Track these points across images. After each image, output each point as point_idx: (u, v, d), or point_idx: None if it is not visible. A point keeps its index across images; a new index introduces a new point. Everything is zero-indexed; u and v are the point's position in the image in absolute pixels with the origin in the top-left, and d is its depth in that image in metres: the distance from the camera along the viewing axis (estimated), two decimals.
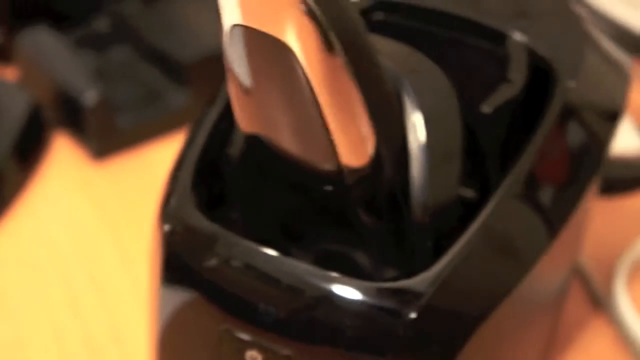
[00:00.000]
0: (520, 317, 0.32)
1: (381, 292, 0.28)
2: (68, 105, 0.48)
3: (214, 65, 0.49)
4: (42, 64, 0.49)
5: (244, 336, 0.29)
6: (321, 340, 0.28)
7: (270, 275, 0.29)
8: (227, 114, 0.32)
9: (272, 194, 0.30)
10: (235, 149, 0.32)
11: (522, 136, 0.31)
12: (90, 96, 0.47)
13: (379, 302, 0.28)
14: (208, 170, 0.32)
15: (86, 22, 0.53)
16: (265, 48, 0.25)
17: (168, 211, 0.31)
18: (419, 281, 0.28)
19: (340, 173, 0.27)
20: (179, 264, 0.31)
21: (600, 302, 0.42)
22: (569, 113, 0.32)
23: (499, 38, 0.33)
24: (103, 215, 0.45)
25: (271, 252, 0.29)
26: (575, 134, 0.32)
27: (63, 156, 0.49)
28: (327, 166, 0.27)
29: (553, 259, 0.32)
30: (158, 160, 0.49)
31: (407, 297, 0.28)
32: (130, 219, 0.45)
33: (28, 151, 0.47)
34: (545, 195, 0.31)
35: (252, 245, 0.29)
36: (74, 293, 0.41)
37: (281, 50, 0.25)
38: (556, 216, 0.31)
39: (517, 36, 0.33)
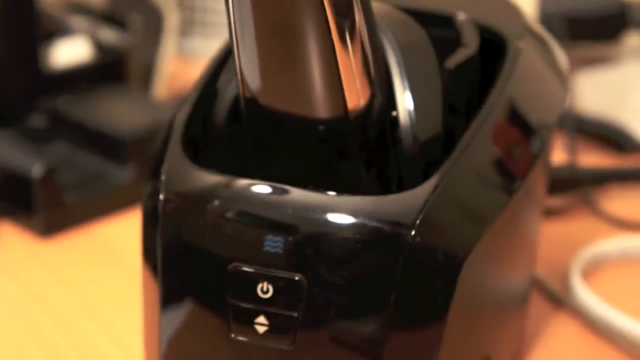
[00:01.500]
0: (508, 245, 0.34)
1: (384, 201, 0.29)
2: (14, 185, 0.48)
3: (152, 141, 0.51)
4: None
5: (254, 269, 0.29)
6: (330, 259, 0.29)
7: (275, 204, 0.30)
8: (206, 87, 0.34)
9: (267, 145, 0.32)
10: (221, 113, 0.33)
11: (483, 94, 0.34)
12: (37, 169, 0.47)
13: (384, 210, 0.29)
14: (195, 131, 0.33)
15: (22, 120, 0.54)
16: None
17: (164, 169, 0.32)
18: (419, 190, 0.29)
19: (341, 115, 0.29)
20: (178, 218, 0.31)
21: (560, 301, 0.44)
22: (523, 69, 0.35)
23: (448, 22, 0.36)
24: (53, 291, 0.44)
25: (272, 185, 0.30)
26: (531, 86, 0.35)
27: (10, 237, 0.48)
28: (331, 111, 0.29)
29: (526, 198, 0.34)
30: (106, 236, 0.49)
31: (410, 201, 0.29)
32: (81, 294, 0.44)
33: None
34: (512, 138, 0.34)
35: (253, 181, 0.30)
36: None
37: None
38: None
39: (463, 15, 0.36)
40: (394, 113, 0.32)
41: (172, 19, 0.67)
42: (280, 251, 0.30)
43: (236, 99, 0.33)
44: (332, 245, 0.29)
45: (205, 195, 0.31)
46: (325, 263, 0.29)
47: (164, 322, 0.32)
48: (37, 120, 0.55)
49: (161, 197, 0.32)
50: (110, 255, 0.47)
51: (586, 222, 0.51)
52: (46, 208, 0.48)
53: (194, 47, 0.78)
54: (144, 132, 0.52)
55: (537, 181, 0.36)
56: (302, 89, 0.29)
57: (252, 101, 0.30)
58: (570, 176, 0.48)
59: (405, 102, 0.31)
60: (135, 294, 0.42)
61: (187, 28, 0.79)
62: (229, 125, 0.34)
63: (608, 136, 0.60)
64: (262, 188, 0.30)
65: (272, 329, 0.30)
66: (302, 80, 0.29)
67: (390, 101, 0.31)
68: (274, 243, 0.30)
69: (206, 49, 0.78)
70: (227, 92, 0.34)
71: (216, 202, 0.31)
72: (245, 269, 0.30)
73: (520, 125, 0.34)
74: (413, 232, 0.29)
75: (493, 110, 0.33)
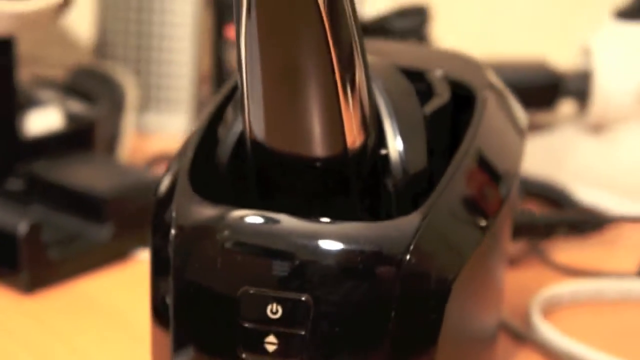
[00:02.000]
0: (483, 279, 0.37)
1: (380, 227, 0.33)
2: None
3: (131, 199, 0.53)
4: None
5: (263, 292, 0.32)
6: (332, 281, 0.32)
7: (280, 232, 0.33)
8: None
9: (270, 181, 0.35)
10: (224, 153, 0.36)
11: (455, 140, 0.38)
12: (22, 226, 0.49)
13: (380, 234, 0.32)
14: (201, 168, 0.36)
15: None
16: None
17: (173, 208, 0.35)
18: (410, 218, 0.33)
19: (340, 154, 0.33)
20: (189, 248, 0.34)
21: (523, 337, 0.47)
22: (490, 119, 0.39)
23: (422, 76, 0.40)
24: (40, 340, 0.46)
25: (277, 215, 0.33)
26: (498, 129, 0.39)
27: None
28: (332, 151, 0.33)
29: (496, 237, 0.37)
30: (89, 290, 0.51)
31: (405, 227, 0.32)
32: (68, 342, 0.46)
33: None
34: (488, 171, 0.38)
35: (259, 212, 0.33)
36: None
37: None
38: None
39: (436, 70, 0.41)
40: (384, 151, 0.35)
41: (132, 94, 0.71)
42: (287, 275, 0.33)
43: (239, 140, 0.36)
44: (333, 268, 0.32)
45: (215, 227, 0.34)
46: (328, 285, 0.32)
47: (176, 344, 0.34)
48: (14, 184, 0.57)
49: (173, 231, 0.34)
50: (94, 308, 0.49)
51: (536, 270, 0.55)
52: (31, 264, 0.50)
53: (148, 122, 0.81)
54: (121, 192, 0.54)
55: (505, 224, 0.39)
56: (306, 131, 0.33)
57: (257, 143, 0.33)
58: (528, 221, 0.52)
59: (395, 141, 0.35)
60: (119, 342, 0.44)
61: (142, 104, 0.82)
62: (232, 164, 0.37)
63: (548, 196, 0.65)
64: (268, 218, 0.33)
65: (282, 347, 0.33)
66: (307, 124, 0.32)
67: (380, 141, 0.35)
68: (280, 268, 0.33)
69: (160, 124, 0.81)
70: (230, 135, 0.37)
71: (226, 232, 0.33)
72: (255, 292, 0.33)
73: (488, 170, 0.38)
74: (408, 256, 0.32)
75: (468, 152, 0.36)
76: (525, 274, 0.55)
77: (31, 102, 0.63)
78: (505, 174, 0.38)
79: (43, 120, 0.61)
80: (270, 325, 0.33)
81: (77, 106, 0.66)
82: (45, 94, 0.66)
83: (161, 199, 0.36)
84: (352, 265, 0.32)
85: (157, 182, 0.37)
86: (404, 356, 0.33)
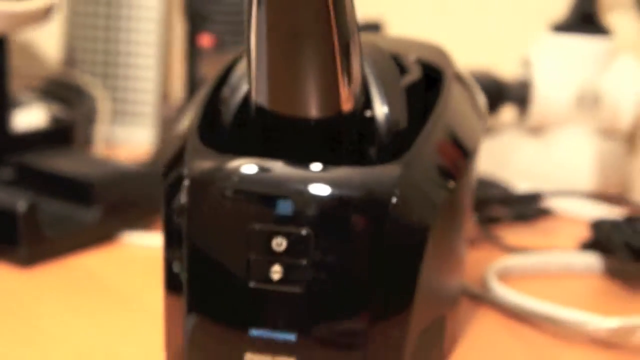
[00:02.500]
0: (452, 233, 0.43)
1: (369, 170, 0.38)
2: None
3: (116, 185, 0.58)
4: None
5: (269, 228, 0.37)
6: (330, 216, 0.37)
7: (284, 175, 0.38)
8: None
9: (272, 136, 0.40)
10: (229, 113, 0.42)
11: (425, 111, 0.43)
12: (21, 204, 0.53)
13: (369, 176, 0.38)
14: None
15: None
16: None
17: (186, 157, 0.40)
18: (396, 164, 0.38)
19: (335, 114, 0.38)
20: (202, 195, 0.39)
21: (482, 298, 0.53)
22: (456, 94, 0.45)
23: (397, 59, 0.46)
24: (39, 317, 0.49)
25: (282, 161, 0.38)
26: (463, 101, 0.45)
27: None
28: (328, 112, 0.38)
29: (461, 200, 0.43)
30: (83, 266, 0.55)
31: (390, 171, 0.38)
32: (63, 320, 0.49)
33: None
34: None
35: (265, 159, 0.39)
36: None
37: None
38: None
39: (410, 55, 0.46)
40: (369, 113, 0.41)
41: (103, 105, 0.75)
42: (290, 213, 0.38)
43: (243, 102, 0.41)
44: (330, 205, 0.37)
45: (224, 174, 0.38)
46: (328, 221, 0.37)
47: (191, 281, 0.39)
48: (5, 174, 0.60)
49: (187, 180, 0.39)
50: (85, 281, 0.53)
51: (488, 250, 0.61)
52: (29, 240, 0.53)
53: (114, 134, 0.85)
54: (107, 178, 0.59)
55: (467, 193, 0.45)
56: (306, 94, 0.38)
57: (261, 104, 0.39)
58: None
59: (381, 104, 0.41)
60: (108, 311, 0.48)
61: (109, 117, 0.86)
62: (236, 124, 0.42)
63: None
64: (273, 163, 0.38)
65: (286, 275, 0.38)
66: (308, 87, 0.37)
67: (365, 104, 0.41)
68: (283, 207, 0.38)
69: (126, 136, 0.85)
70: (234, 97, 0.42)
71: (235, 178, 0.38)
72: (262, 228, 0.38)
73: (455, 140, 0.43)
74: (394, 193, 0.38)
75: (438, 120, 0.42)
76: (479, 253, 0.60)
77: (15, 102, 0.67)
78: (468, 146, 0.44)
79: (29, 118, 0.65)
80: (275, 257, 0.38)
81: (57, 109, 0.70)
82: (25, 96, 0.70)
83: (172, 152, 0.41)
84: (345, 202, 0.37)
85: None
86: (391, 285, 0.38)
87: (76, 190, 0.58)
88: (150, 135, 0.87)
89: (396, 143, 0.41)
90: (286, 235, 0.38)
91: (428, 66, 0.46)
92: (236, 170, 0.39)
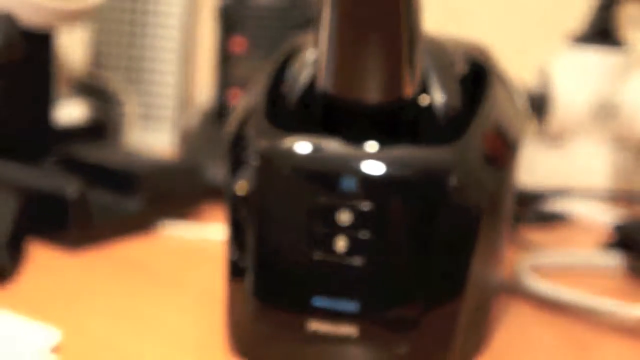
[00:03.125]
0: (499, 224, 0.45)
1: (435, 150, 0.40)
2: (48, 205, 0.56)
3: (158, 176, 0.60)
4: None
5: (334, 202, 0.40)
6: (390, 193, 0.40)
7: (349, 153, 0.40)
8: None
9: (335, 119, 0.42)
10: (293, 96, 0.44)
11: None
12: (73, 191, 0.55)
13: (429, 155, 0.40)
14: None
15: (37, 163, 0.62)
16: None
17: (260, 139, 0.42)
18: (458, 142, 0.41)
19: (396, 101, 0.41)
20: (269, 171, 0.41)
21: (513, 290, 0.55)
22: (501, 89, 0.47)
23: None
24: (94, 295, 0.51)
25: (346, 140, 0.41)
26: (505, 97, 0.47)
27: (42, 252, 0.56)
28: (390, 97, 0.40)
29: (507, 190, 0.45)
30: (126, 253, 0.57)
31: (447, 151, 0.40)
32: (117, 298, 0.51)
33: (18, 247, 0.53)
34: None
35: (331, 137, 0.41)
36: None
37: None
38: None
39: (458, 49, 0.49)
40: (426, 100, 0.43)
41: (132, 108, 0.78)
42: (354, 189, 0.40)
43: (305, 89, 0.44)
44: (391, 182, 0.40)
45: (293, 150, 0.41)
46: (388, 197, 0.40)
47: (259, 251, 0.41)
48: (51, 166, 0.63)
49: (254, 158, 0.41)
50: (134, 265, 0.55)
51: (513, 249, 0.63)
52: (79, 224, 0.55)
53: (134, 138, 0.87)
54: (150, 170, 0.61)
55: (511, 184, 0.46)
56: (372, 81, 0.40)
57: (327, 90, 0.41)
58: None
59: (439, 90, 0.43)
60: (161, 293, 0.50)
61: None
62: (299, 109, 0.44)
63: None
64: (339, 142, 0.41)
65: (349, 249, 0.40)
66: (374, 75, 0.40)
67: (424, 90, 0.43)
68: (349, 182, 0.40)
69: (145, 140, 0.87)
70: (295, 84, 0.44)
71: (302, 155, 0.40)
72: (327, 202, 0.40)
73: (502, 133, 0.45)
74: (454, 172, 0.40)
75: (488, 110, 0.44)
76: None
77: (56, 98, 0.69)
78: (513, 140, 0.45)
79: (71, 112, 0.67)
80: (340, 230, 0.40)
81: (92, 106, 0.73)
82: (62, 93, 0.72)
83: (238, 130, 0.43)
84: (404, 180, 0.40)
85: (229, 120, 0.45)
86: (445, 267, 0.40)
87: (121, 181, 0.60)
88: (170, 140, 0.89)
89: (452, 129, 0.43)
90: (350, 209, 0.40)
91: (474, 62, 0.48)
92: (304, 148, 0.41)
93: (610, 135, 0.78)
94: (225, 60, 0.76)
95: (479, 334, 0.45)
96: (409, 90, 0.41)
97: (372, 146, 0.41)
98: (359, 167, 0.40)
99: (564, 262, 0.60)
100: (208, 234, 0.61)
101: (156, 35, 0.89)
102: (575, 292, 0.52)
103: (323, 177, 0.40)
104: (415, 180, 0.40)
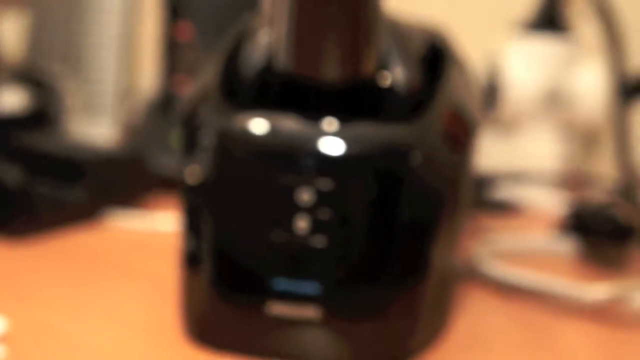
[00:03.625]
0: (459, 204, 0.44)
1: (396, 127, 0.39)
2: None
3: (103, 164, 0.58)
4: None
5: (295, 182, 0.38)
6: (353, 171, 0.38)
7: (309, 129, 0.39)
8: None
9: (293, 96, 0.41)
10: (249, 76, 0.42)
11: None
12: (14, 179, 0.53)
13: (392, 130, 0.39)
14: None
15: None
16: None
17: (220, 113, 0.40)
18: (420, 119, 0.40)
19: (356, 78, 0.39)
20: (228, 149, 0.39)
21: (470, 275, 0.54)
22: (458, 71, 0.46)
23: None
24: (40, 285, 0.49)
25: (307, 114, 0.39)
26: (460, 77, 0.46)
27: None
28: (350, 74, 0.39)
29: (467, 171, 0.44)
30: (71, 242, 0.55)
31: (413, 125, 0.39)
32: (64, 288, 0.48)
33: None
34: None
35: (291, 113, 0.39)
36: None
37: None
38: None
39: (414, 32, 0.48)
40: (386, 77, 0.42)
41: (71, 95, 0.75)
42: (315, 167, 0.38)
43: (261, 70, 0.42)
44: (354, 160, 0.38)
45: (252, 128, 0.39)
46: (352, 175, 0.38)
47: (217, 233, 0.39)
48: None
49: (211, 137, 0.40)
50: (81, 255, 0.53)
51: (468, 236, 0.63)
52: (22, 215, 0.53)
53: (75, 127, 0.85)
54: (94, 157, 0.59)
55: (470, 166, 0.45)
56: (332, 58, 0.39)
57: (285, 69, 0.39)
58: None
59: (399, 67, 0.42)
60: (110, 281, 0.48)
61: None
62: (255, 89, 0.42)
63: None
64: (299, 119, 0.39)
65: (310, 229, 0.38)
66: (334, 52, 0.38)
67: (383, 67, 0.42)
68: (309, 160, 0.38)
69: (85, 132, 0.85)
70: (250, 65, 0.43)
71: (262, 133, 0.39)
72: (288, 181, 0.38)
73: (460, 114, 0.44)
74: (417, 148, 0.39)
75: (446, 90, 0.43)
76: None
77: None
78: (472, 122, 0.45)
79: (9, 100, 0.65)
80: (300, 211, 0.38)
81: (31, 94, 0.70)
82: (1, 79, 0.70)
83: (191, 112, 0.42)
84: (366, 157, 0.38)
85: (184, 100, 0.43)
86: (409, 240, 0.39)
87: (65, 170, 0.58)
88: (111, 129, 0.86)
89: (412, 107, 0.42)
90: (311, 188, 0.38)
91: (432, 44, 0.47)
92: (262, 125, 0.39)
93: (560, 122, 0.78)
94: (171, 47, 0.74)
95: (441, 317, 0.44)
96: (369, 68, 0.40)
97: (332, 123, 0.39)
98: (319, 144, 0.39)
99: (519, 248, 0.60)
100: (155, 224, 0.60)
101: (96, 21, 0.86)
102: (531, 275, 0.51)
103: (283, 155, 0.39)
104: (377, 158, 0.39)
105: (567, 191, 0.75)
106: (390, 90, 0.42)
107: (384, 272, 0.39)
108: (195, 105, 0.42)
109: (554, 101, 0.77)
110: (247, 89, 0.43)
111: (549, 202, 0.72)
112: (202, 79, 0.44)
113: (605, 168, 0.83)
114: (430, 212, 0.40)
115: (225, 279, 0.40)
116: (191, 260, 0.41)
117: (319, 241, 0.38)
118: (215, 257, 0.40)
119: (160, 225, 0.59)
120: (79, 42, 0.87)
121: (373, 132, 0.39)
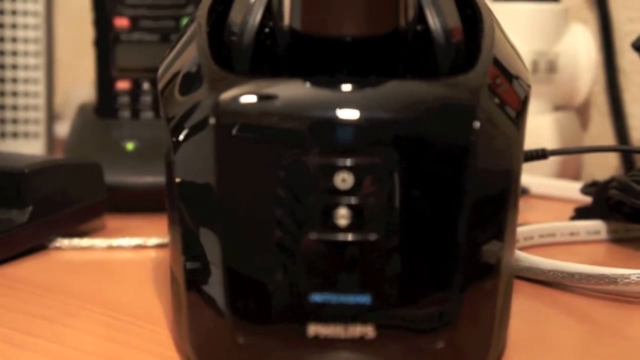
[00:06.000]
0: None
1: (449, 84, 0.31)
2: None
3: (47, 176, 0.48)
4: None
5: (330, 161, 0.29)
6: (402, 141, 0.30)
7: (342, 94, 0.30)
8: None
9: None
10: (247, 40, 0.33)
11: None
12: None
13: (451, 92, 0.30)
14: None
15: None
16: None
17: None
18: (472, 74, 0.31)
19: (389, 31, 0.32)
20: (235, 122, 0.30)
21: None
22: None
23: None
24: None
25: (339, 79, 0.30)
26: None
27: None
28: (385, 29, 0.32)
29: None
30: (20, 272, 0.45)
31: (469, 82, 0.31)
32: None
33: None
34: None
35: (314, 78, 0.31)
36: None
37: None
38: None
39: None
40: (419, 27, 0.33)
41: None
42: (355, 141, 0.29)
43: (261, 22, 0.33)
44: (408, 124, 0.30)
45: (265, 98, 0.30)
46: (400, 145, 0.29)
47: (228, 235, 0.30)
48: None
49: (212, 118, 0.30)
50: (19, 287, 0.43)
51: None
52: None
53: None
54: (37, 168, 0.48)
55: (523, 140, 0.38)
56: (358, 9, 0.31)
57: (297, 29, 0.31)
58: None
59: (436, 16, 0.33)
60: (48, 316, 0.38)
61: None
62: (256, 52, 0.33)
63: None
64: (329, 82, 0.30)
65: (355, 220, 0.29)
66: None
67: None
68: (345, 132, 0.29)
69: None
70: (247, 25, 0.33)
71: (277, 102, 0.30)
72: (321, 162, 0.29)
73: (509, 76, 0.36)
74: (479, 106, 0.30)
75: (490, 50, 0.34)
76: None
77: None
78: (523, 85, 0.36)
79: None
80: (341, 197, 0.29)
81: None
82: None
83: (174, 91, 0.32)
84: (418, 118, 0.30)
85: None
86: (482, 234, 0.30)
87: (3, 184, 0.47)
88: (41, 149, 0.76)
89: (455, 59, 0.33)
90: (352, 168, 0.29)
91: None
92: (274, 94, 0.30)
93: (549, 97, 0.70)
94: (106, 44, 0.64)
95: (506, 322, 0.35)
96: (404, 19, 0.32)
97: (371, 85, 0.30)
98: (350, 112, 0.29)
99: (543, 233, 0.52)
100: (113, 243, 0.50)
101: (16, 37, 0.76)
102: (571, 265, 0.43)
103: (305, 130, 0.30)
104: (430, 120, 0.30)
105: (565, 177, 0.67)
106: (427, 44, 0.33)
107: (451, 271, 0.30)
108: (177, 79, 0.33)
109: (543, 72, 0.69)
110: (242, 56, 0.33)
111: (552, 188, 0.65)
112: (181, 46, 0.35)
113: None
114: (500, 191, 0.31)
115: (247, 300, 0.30)
116: (196, 280, 0.31)
117: (368, 235, 0.29)
118: (231, 272, 0.30)
119: (120, 245, 0.50)
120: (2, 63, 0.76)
121: (420, 90, 0.30)
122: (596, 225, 0.53)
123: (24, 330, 0.37)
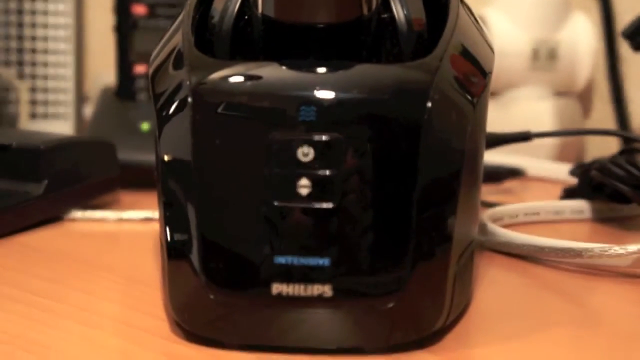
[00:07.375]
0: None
1: (407, 66, 0.34)
2: None
3: (63, 153, 0.52)
4: None
5: (293, 137, 0.32)
6: (361, 118, 0.33)
7: (304, 76, 0.33)
8: None
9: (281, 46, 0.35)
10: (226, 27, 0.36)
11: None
12: None
13: (408, 74, 0.33)
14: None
15: None
16: None
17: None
18: (431, 58, 0.34)
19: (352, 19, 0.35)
20: (210, 105, 0.33)
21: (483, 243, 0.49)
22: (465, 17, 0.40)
23: None
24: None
25: (300, 61, 0.34)
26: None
27: None
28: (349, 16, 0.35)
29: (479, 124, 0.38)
30: (35, 241, 0.49)
31: (425, 67, 0.34)
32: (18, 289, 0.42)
33: None
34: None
35: (281, 62, 0.34)
36: None
37: None
38: None
39: None
40: (384, 15, 0.37)
41: (24, 98, 0.69)
42: (316, 118, 0.33)
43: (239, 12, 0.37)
44: (363, 105, 0.33)
45: (238, 79, 0.33)
46: (359, 122, 0.33)
47: (202, 210, 0.33)
48: None
49: (189, 98, 0.34)
50: (36, 254, 0.46)
51: None
52: None
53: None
54: (53, 145, 0.52)
55: (484, 117, 0.39)
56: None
57: (269, 16, 0.34)
58: None
59: (400, 4, 0.36)
60: (65, 280, 0.42)
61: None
62: (234, 38, 0.37)
63: None
64: (293, 66, 0.34)
65: (316, 190, 0.33)
66: None
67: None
68: (307, 112, 0.33)
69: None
70: (227, 13, 0.37)
71: (249, 83, 0.33)
72: (285, 137, 0.33)
73: (471, 58, 0.38)
74: (431, 90, 0.33)
75: (454, 31, 0.37)
76: None
77: None
78: (484, 67, 0.38)
79: None
80: (302, 169, 0.33)
81: None
82: None
83: (163, 72, 0.36)
84: (377, 102, 0.33)
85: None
86: (434, 200, 0.34)
87: (21, 161, 0.51)
88: (71, 129, 0.80)
89: (417, 46, 0.36)
90: (313, 143, 0.33)
91: None
92: (247, 75, 0.33)
93: (550, 84, 0.73)
94: (125, 30, 0.68)
95: (466, 290, 0.38)
96: (366, 7, 0.34)
97: (329, 67, 0.33)
98: (316, 91, 0.33)
99: (527, 212, 0.55)
100: (124, 216, 0.53)
101: (47, 24, 0.80)
102: (549, 240, 0.46)
103: (275, 108, 0.33)
104: (387, 100, 0.33)
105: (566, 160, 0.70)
106: (391, 30, 0.36)
107: (404, 240, 0.33)
108: (165, 63, 0.36)
109: (544, 60, 0.72)
110: (224, 42, 0.37)
111: (548, 171, 0.67)
112: (171, 33, 0.38)
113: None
114: (452, 166, 0.34)
115: (218, 262, 0.33)
116: (176, 247, 0.34)
117: (327, 203, 0.33)
118: (205, 237, 0.33)
119: (130, 217, 0.53)
120: (30, 48, 0.80)
121: (379, 72, 0.34)
122: (580, 205, 0.55)
123: (32, 291, 0.40)
